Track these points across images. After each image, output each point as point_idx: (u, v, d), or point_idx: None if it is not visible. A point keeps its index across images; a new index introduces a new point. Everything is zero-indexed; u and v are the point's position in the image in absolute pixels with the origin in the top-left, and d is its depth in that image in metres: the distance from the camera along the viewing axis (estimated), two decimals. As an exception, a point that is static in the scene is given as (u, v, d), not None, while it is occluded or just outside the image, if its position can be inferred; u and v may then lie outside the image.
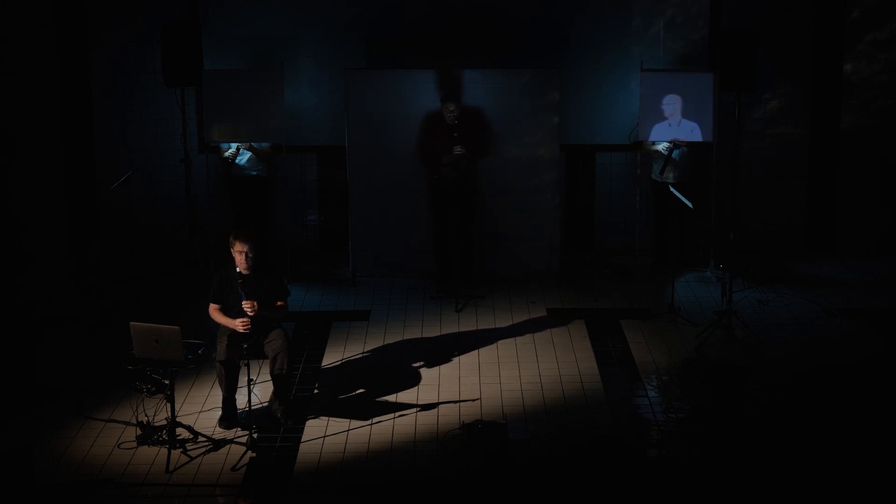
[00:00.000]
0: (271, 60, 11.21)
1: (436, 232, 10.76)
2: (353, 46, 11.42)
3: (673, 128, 10.78)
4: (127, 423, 7.71)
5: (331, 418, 7.87)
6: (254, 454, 7.32)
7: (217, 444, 7.47)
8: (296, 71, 11.35)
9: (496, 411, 7.98)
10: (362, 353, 9.16)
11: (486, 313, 10.01)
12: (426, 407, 8.07)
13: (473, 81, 10.76)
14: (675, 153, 10.81)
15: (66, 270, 11.07)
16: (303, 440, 7.56)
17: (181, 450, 7.35)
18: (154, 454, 7.34)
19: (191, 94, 11.26)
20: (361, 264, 10.99)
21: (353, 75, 10.81)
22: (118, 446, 7.46)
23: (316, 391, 8.41)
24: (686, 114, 10.77)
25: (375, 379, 8.59)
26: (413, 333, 9.57)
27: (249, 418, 7.53)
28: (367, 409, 8.03)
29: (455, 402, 8.15)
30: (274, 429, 7.70)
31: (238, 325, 7.58)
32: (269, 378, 7.90)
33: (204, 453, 7.37)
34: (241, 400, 7.71)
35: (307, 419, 7.85)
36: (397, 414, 7.94)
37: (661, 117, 10.82)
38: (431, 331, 9.63)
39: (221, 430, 7.70)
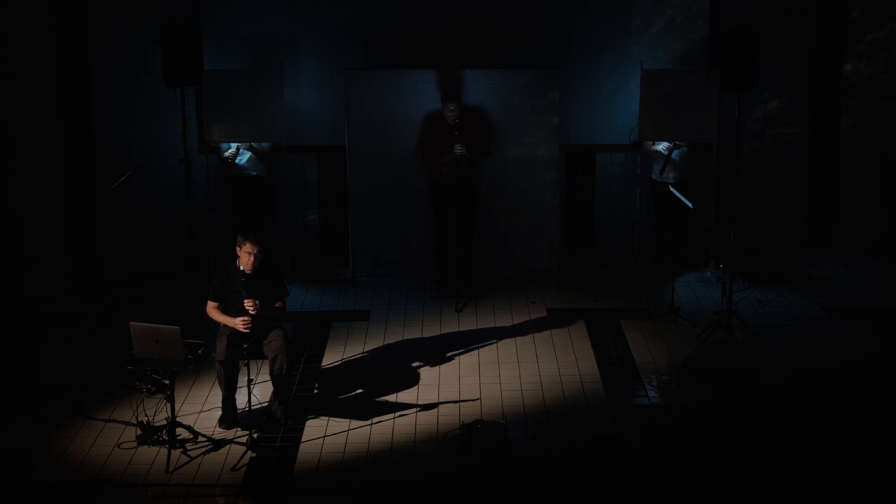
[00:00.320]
0: (271, 60, 11.21)
1: (436, 232, 10.76)
2: (353, 46, 11.42)
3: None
4: (127, 423, 7.71)
5: (331, 418, 7.87)
6: (254, 454, 7.32)
7: (217, 444, 7.47)
8: (296, 71, 11.35)
9: (496, 411, 7.98)
10: (362, 353, 9.16)
11: (486, 313, 10.01)
12: (426, 407, 8.07)
13: (473, 81, 10.76)
14: (675, 153, 10.81)
15: (66, 270, 11.07)
16: (303, 440, 7.56)
17: (181, 450, 7.35)
18: (154, 454, 7.34)
19: (191, 94, 11.26)
20: (361, 264, 10.99)
21: (353, 75, 10.81)
22: (118, 446, 7.46)
23: (316, 391, 8.41)
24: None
25: (375, 379, 8.59)
26: (413, 333, 9.57)
27: (249, 418, 7.53)
28: (367, 409, 8.03)
29: (455, 402, 8.15)
30: (274, 429, 7.70)
31: (239, 323, 7.58)
32: (269, 378, 7.90)
33: (204, 453, 7.37)
34: (241, 400, 7.71)
35: (307, 419, 7.85)
36: (397, 414, 7.94)
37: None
38: (431, 331, 9.63)
39: (221, 430, 7.70)
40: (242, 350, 7.42)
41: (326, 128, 11.49)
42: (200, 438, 7.50)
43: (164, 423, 7.44)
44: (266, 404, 7.97)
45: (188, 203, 11.11)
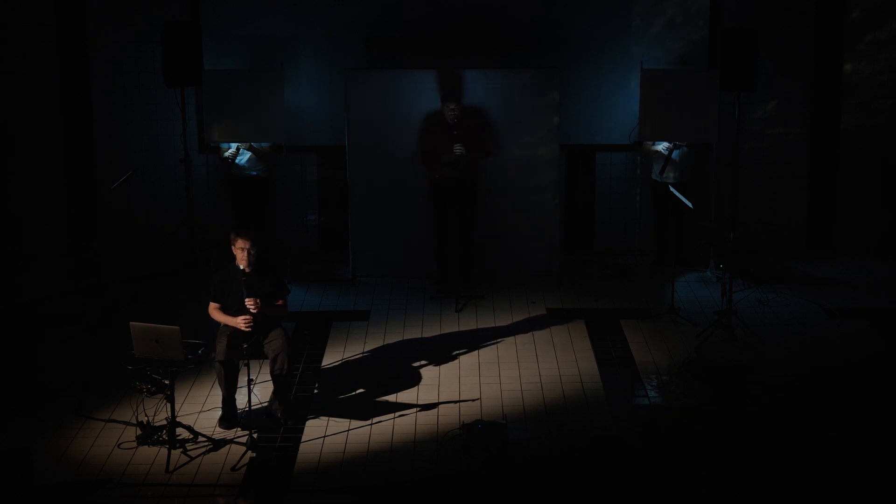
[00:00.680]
0: (271, 60, 11.21)
1: (436, 232, 10.76)
2: (353, 46, 11.42)
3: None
4: (127, 423, 7.71)
5: (331, 418, 7.87)
6: (254, 454, 7.32)
7: (217, 444, 7.47)
8: (296, 71, 11.35)
9: (496, 411, 7.98)
10: (362, 353, 9.16)
11: (486, 313, 10.01)
12: (426, 407, 8.07)
13: (473, 81, 10.76)
14: (675, 153, 10.81)
15: (66, 270, 11.07)
16: (303, 440, 7.56)
17: (181, 450, 7.35)
18: (154, 454, 7.34)
19: (191, 94, 11.26)
20: (361, 264, 10.99)
21: (353, 75, 10.81)
22: (118, 446, 7.46)
23: (316, 391, 8.41)
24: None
25: (375, 379, 8.59)
26: (413, 333, 9.57)
27: (249, 418, 7.53)
28: (367, 409, 8.03)
29: (455, 402, 8.15)
30: (274, 429, 7.70)
31: (240, 322, 7.58)
32: (269, 378, 7.90)
33: (204, 453, 7.37)
34: (241, 400, 7.71)
35: (307, 419, 7.85)
36: (397, 414, 7.94)
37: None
38: (431, 331, 9.63)
39: (221, 430, 7.70)
40: (242, 350, 7.42)
41: (326, 128, 11.49)
42: (200, 438, 7.50)
43: (164, 423, 7.44)
44: (266, 404, 7.97)
45: (188, 203, 11.11)
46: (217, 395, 7.97)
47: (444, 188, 10.50)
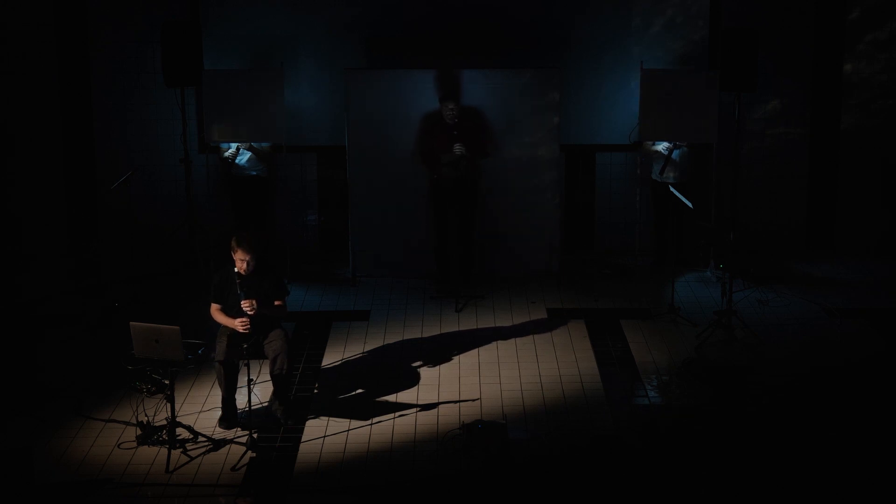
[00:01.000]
0: (271, 60, 11.21)
1: (436, 232, 10.76)
2: (353, 46, 11.42)
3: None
4: (127, 423, 7.70)
5: (331, 418, 7.87)
6: (254, 454, 7.32)
7: (217, 444, 7.47)
8: (296, 71, 11.35)
9: (496, 411, 7.98)
10: (362, 353, 9.16)
11: (486, 313, 10.01)
12: (426, 407, 8.07)
13: (473, 81, 10.76)
14: (675, 153, 10.81)
15: (66, 270, 11.07)
16: (303, 440, 7.56)
17: (181, 450, 7.35)
18: (154, 454, 7.34)
19: (191, 94, 11.26)
20: (361, 264, 10.99)
21: (353, 75, 10.81)
22: (118, 446, 7.46)
23: (316, 391, 8.41)
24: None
25: (375, 379, 8.59)
26: (413, 333, 9.57)
27: (249, 418, 7.53)
28: (367, 409, 8.03)
29: (455, 402, 8.15)
30: (274, 429, 7.70)
31: (238, 324, 7.58)
32: (269, 378, 7.89)
33: (204, 453, 7.37)
34: (241, 400, 7.71)
35: (307, 419, 7.85)
36: (397, 414, 7.94)
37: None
38: (431, 331, 9.63)
39: (221, 430, 7.70)
40: (242, 350, 7.42)
41: (326, 128, 11.48)
42: (200, 438, 7.50)
43: (164, 423, 7.44)
44: (266, 404, 7.97)
45: (188, 203, 11.11)
46: (217, 395, 7.97)
47: (444, 188, 10.50)
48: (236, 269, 7.64)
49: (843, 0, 11.47)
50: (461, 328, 9.68)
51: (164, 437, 7.40)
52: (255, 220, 10.94)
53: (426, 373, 8.71)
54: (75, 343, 9.29)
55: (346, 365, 8.93)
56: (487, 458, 7.12)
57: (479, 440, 7.24)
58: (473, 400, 8.19)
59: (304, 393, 8.33)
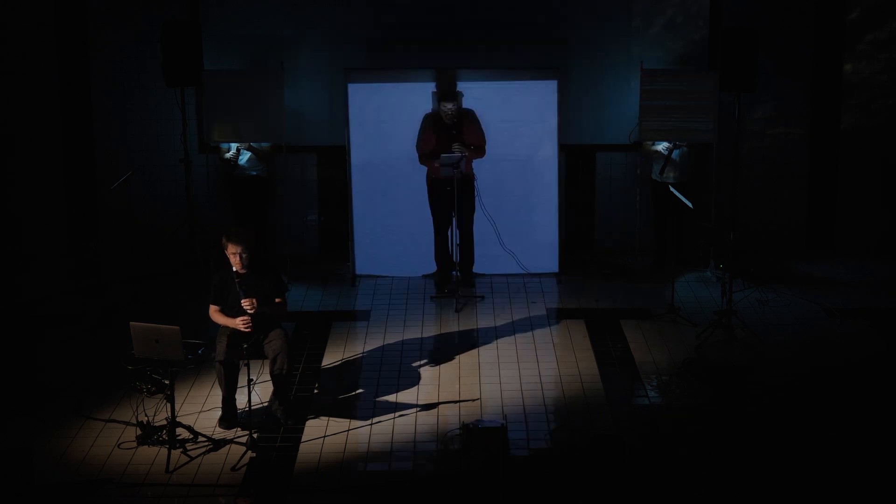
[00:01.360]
0: (271, 60, 11.20)
1: (435, 232, 10.76)
2: (353, 46, 11.41)
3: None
4: (127, 423, 7.70)
5: (331, 418, 7.87)
6: (254, 454, 7.32)
7: (217, 444, 7.47)
8: (296, 71, 11.34)
9: (496, 411, 7.98)
10: (362, 353, 9.16)
11: (486, 313, 10.01)
12: (426, 407, 8.07)
13: (473, 81, 10.75)
14: (675, 153, 10.81)
15: (66, 270, 11.07)
16: (303, 440, 7.56)
17: (181, 450, 7.35)
18: (154, 454, 7.34)
19: (191, 94, 11.25)
20: (361, 264, 10.98)
21: (353, 75, 10.81)
22: (118, 446, 7.46)
23: (316, 391, 8.41)
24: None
25: (375, 379, 8.59)
26: (413, 333, 9.57)
27: (249, 418, 7.53)
28: (367, 409, 8.03)
29: (455, 402, 8.15)
30: (274, 429, 7.70)
31: (239, 323, 7.58)
32: (269, 378, 7.89)
33: (204, 453, 7.37)
34: (241, 400, 7.71)
35: (307, 419, 7.85)
36: (397, 414, 7.94)
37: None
38: (431, 331, 9.63)
39: (221, 430, 7.70)
40: (242, 350, 7.42)
41: (326, 128, 11.48)
42: (200, 438, 7.50)
43: (164, 423, 7.44)
44: (266, 404, 7.97)
45: (188, 203, 11.11)
46: (217, 395, 7.97)
47: (444, 188, 10.49)
48: (234, 269, 7.64)
49: (843, 0, 11.47)
50: (461, 328, 9.68)
51: (164, 437, 7.40)
52: (255, 220, 10.94)
53: (426, 373, 8.71)
54: (75, 343, 9.29)
55: (346, 365, 8.93)
56: (487, 458, 7.12)
57: (479, 440, 7.24)
58: (473, 400, 8.19)
59: (304, 393, 8.33)
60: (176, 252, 11.12)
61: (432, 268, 10.88)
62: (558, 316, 9.93)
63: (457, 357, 9.00)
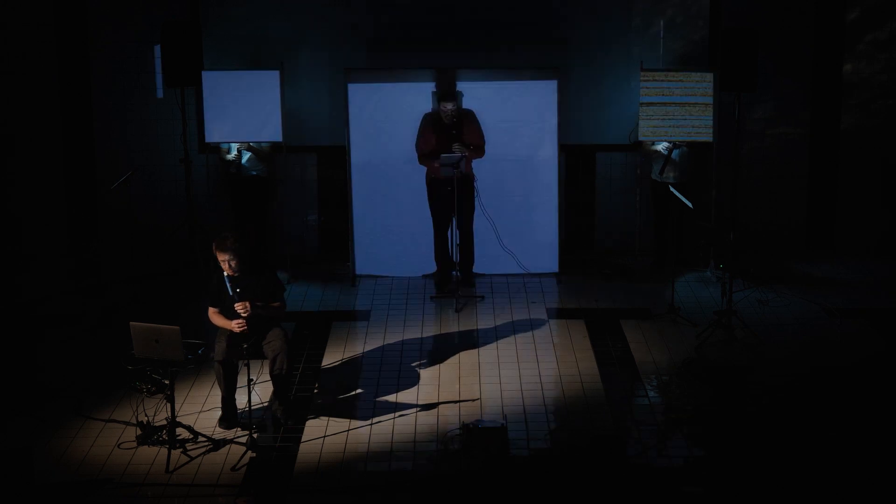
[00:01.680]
0: (271, 60, 11.21)
1: (436, 232, 10.76)
2: (353, 46, 11.42)
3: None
4: (127, 423, 7.70)
5: (331, 418, 7.87)
6: (254, 454, 7.32)
7: (217, 444, 7.47)
8: (296, 71, 11.35)
9: (496, 411, 7.98)
10: (362, 353, 9.16)
11: (486, 313, 10.01)
12: (426, 407, 8.07)
13: (473, 81, 10.75)
14: (675, 153, 10.82)
15: (66, 270, 11.07)
16: (303, 440, 7.56)
17: (181, 450, 7.35)
18: (154, 454, 7.34)
19: (191, 94, 11.25)
20: (361, 264, 10.98)
21: (353, 75, 10.81)
22: (118, 446, 7.46)
23: (316, 391, 8.41)
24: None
25: (375, 379, 8.59)
26: (413, 333, 9.57)
27: (249, 418, 7.53)
28: (367, 409, 8.03)
29: (455, 402, 8.15)
30: (274, 429, 7.70)
31: (234, 326, 7.58)
32: (269, 378, 7.89)
33: (204, 453, 7.37)
34: (241, 400, 7.71)
35: (307, 419, 7.85)
36: (397, 414, 7.94)
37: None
38: (431, 331, 9.64)
39: (221, 430, 7.70)
40: (242, 350, 7.42)
41: (326, 128, 11.48)
42: (200, 438, 7.50)
43: (164, 423, 7.44)
44: (266, 404, 7.97)
45: (188, 203, 11.10)
46: (217, 395, 7.97)
47: (443, 188, 10.49)
48: (225, 273, 7.62)
49: (843, 0, 11.47)
50: (461, 328, 9.68)
51: (164, 437, 7.40)
52: (256, 220, 10.94)
53: (426, 373, 8.71)
54: (75, 343, 9.29)
55: (346, 365, 8.93)
56: (487, 458, 7.12)
57: (479, 440, 7.24)
58: (473, 400, 8.19)
59: (304, 393, 8.33)
60: (176, 252, 11.11)
61: (432, 268, 10.89)
62: (558, 316, 9.93)
63: (457, 357, 9.00)
